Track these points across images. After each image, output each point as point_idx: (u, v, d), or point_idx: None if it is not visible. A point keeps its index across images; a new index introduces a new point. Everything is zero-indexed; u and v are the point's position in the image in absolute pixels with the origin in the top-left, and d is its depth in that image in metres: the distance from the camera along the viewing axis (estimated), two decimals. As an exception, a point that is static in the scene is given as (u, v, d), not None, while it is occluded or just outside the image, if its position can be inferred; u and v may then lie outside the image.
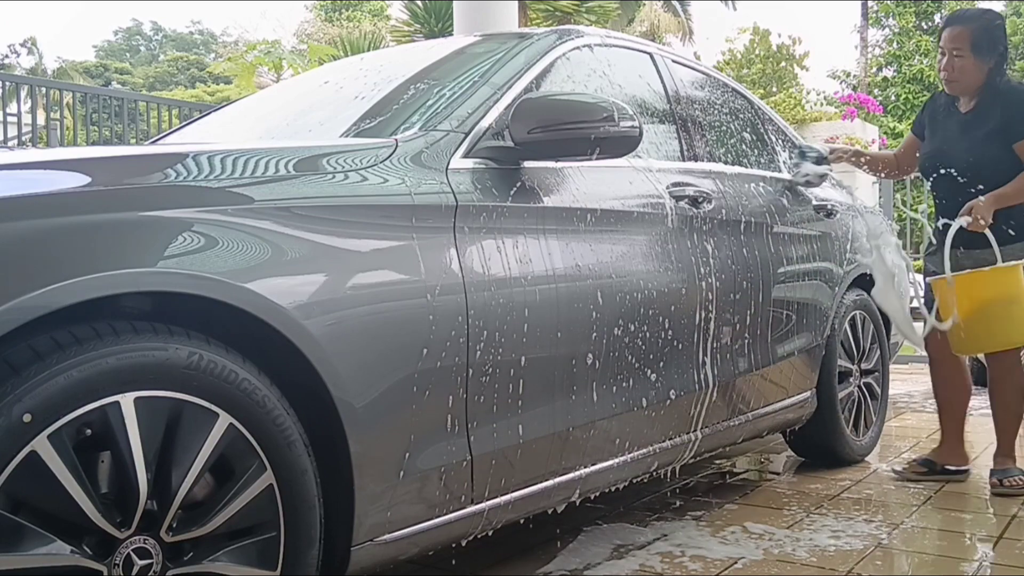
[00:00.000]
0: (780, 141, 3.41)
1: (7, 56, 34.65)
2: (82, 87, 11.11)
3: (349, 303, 1.52)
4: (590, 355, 2.03)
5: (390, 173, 1.70)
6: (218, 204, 1.40)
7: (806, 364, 3.05)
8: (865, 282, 3.31)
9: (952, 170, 2.95)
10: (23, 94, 7.13)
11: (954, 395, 3.16)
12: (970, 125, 2.92)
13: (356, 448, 1.50)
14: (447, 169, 1.80)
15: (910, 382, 6.19)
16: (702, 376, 2.46)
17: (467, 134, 1.89)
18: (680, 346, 2.35)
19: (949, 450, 3.13)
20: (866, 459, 3.40)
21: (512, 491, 1.86)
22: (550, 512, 2.07)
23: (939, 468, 3.10)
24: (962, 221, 2.82)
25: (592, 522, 2.60)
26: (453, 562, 2.20)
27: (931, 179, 3.06)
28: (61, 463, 1.19)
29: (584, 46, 2.43)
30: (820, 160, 3.14)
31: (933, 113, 3.09)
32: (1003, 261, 2.84)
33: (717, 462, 3.44)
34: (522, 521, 2.03)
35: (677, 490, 3.00)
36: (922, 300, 3.12)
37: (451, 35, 5.76)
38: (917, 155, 3.19)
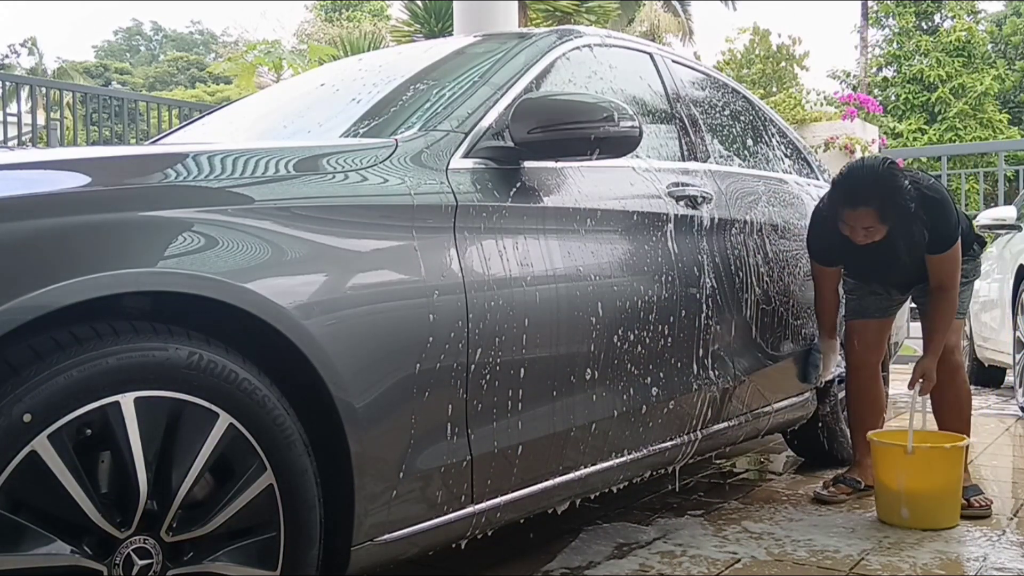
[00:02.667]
0: (780, 141, 3.42)
1: (7, 56, 34.67)
2: (82, 87, 11.10)
3: (349, 303, 1.52)
4: (590, 355, 2.03)
5: (390, 173, 1.70)
6: (218, 204, 1.40)
7: (806, 364, 3.06)
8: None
9: (879, 278, 2.91)
10: (23, 94, 7.13)
11: (870, 407, 2.99)
12: (886, 249, 2.68)
13: (356, 448, 1.50)
14: (447, 169, 1.80)
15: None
16: (702, 376, 2.46)
17: (467, 134, 1.89)
18: (680, 346, 2.35)
19: (867, 469, 2.89)
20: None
21: (512, 491, 1.86)
22: (550, 512, 2.07)
23: (864, 487, 2.89)
24: (916, 388, 2.75)
25: (592, 522, 2.60)
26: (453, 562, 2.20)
27: (853, 278, 2.98)
28: (61, 463, 1.19)
29: (584, 46, 2.43)
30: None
31: (836, 246, 2.77)
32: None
33: (717, 462, 3.44)
34: (522, 521, 2.03)
35: (677, 490, 3.00)
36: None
37: (451, 35, 5.75)
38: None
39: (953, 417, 2.84)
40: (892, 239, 2.62)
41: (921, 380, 2.74)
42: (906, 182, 2.56)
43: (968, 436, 2.78)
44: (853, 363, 3.01)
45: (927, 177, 2.73)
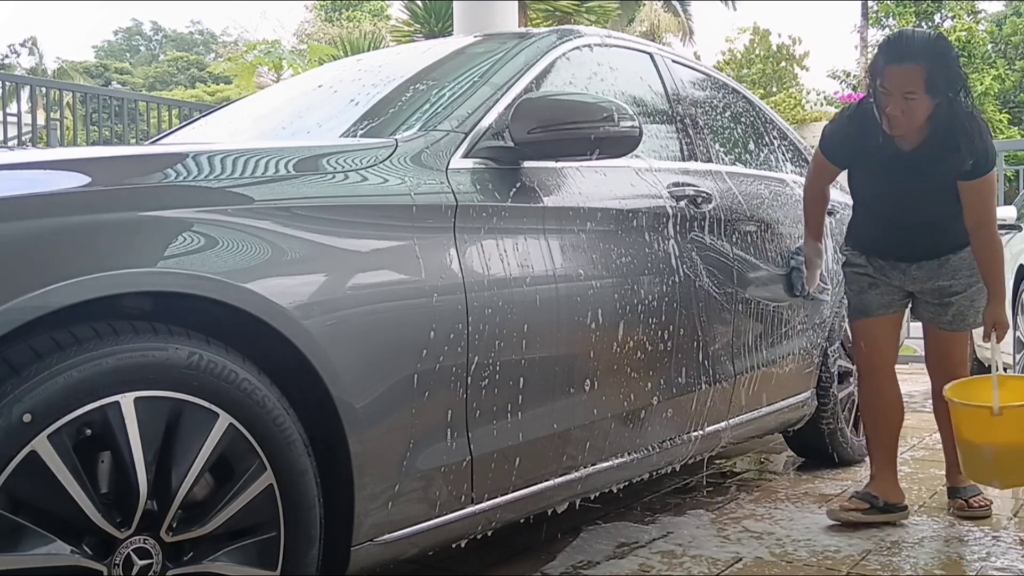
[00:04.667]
0: (780, 142, 3.42)
1: (7, 56, 34.68)
2: (82, 87, 11.11)
3: (349, 303, 1.52)
4: (591, 354, 2.03)
5: (390, 173, 1.70)
6: (218, 204, 1.40)
7: (806, 364, 3.06)
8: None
9: (898, 210, 2.56)
10: (23, 94, 7.13)
11: (883, 415, 2.70)
12: (919, 166, 2.44)
13: (356, 448, 1.50)
14: (447, 169, 1.80)
15: (910, 382, 6.18)
16: (702, 376, 2.46)
17: (467, 134, 1.89)
18: (680, 345, 2.35)
19: (883, 483, 2.65)
20: (866, 459, 3.40)
21: (512, 491, 1.86)
22: (550, 512, 2.07)
23: (883, 504, 2.60)
24: (994, 339, 2.49)
25: (592, 521, 2.60)
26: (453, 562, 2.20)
27: (866, 210, 2.68)
28: (61, 463, 1.19)
29: (584, 46, 2.43)
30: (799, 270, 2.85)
31: (859, 143, 2.52)
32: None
33: (717, 462, 3.44)
34: (522, 521, 2.03)
35: (677, 489, 3.00)
36: None
37: (451, 35, 5.75)
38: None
39: (946, 419, 2.56)
40: (926, 145, 2.36)
41: (995, 330, 2.49)
42: (957, 54, 2.35)
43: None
44: (861, 368, 2.80)
45: None
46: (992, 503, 2.67)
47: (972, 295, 2.57)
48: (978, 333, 5.79)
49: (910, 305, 2.76)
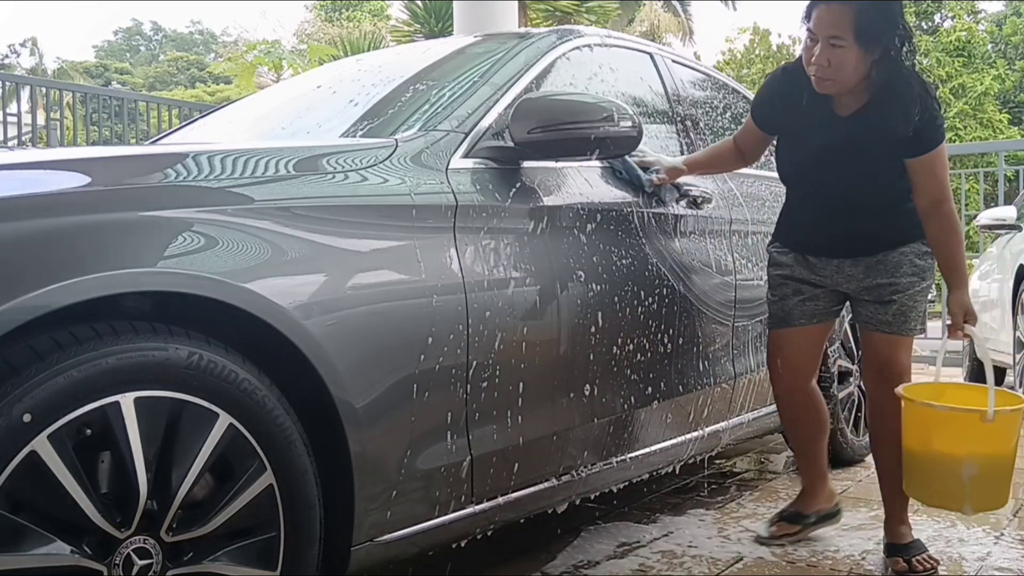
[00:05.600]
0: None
1: (7, 56, 34.69)
2: (82, 87, 11.11)
3: (349, 303, 1.52)
4: (591, 354, 2.03)
5: (390, 173, 1.70)
6: (218, 204, 1.40)
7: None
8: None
9: (832, 189, 2.21)
10: (23, 94, 7.13)
11: (808, 430, 2.47)
12: (856, 135, 2.12)
13: (356, 448, 1.50)
14: (447, 169, 1.80)
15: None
16: (702, 377, 2.46)
17: (467, 134, 1.89)
18: (680, 346, 2.35)
19: (813, 495, 2.47)
20: (866, 459, 3.40)
21: (512, 491, 1.86)
22: (550, 512, 2.07)
23: (813, 518, 2.45)
24: (965, 330, 2.16)
25: (593, 521, 2.60)
26: (452, 562, 2.20)
27: (796, 192, 2.34)
28: (61, 463, 1.19)
29: (584, 46, 2.43)
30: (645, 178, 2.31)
31: (789, 104, 2.20)
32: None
33: (717, 462, 3.44)
34: (522, 521, 2.03)
35: (678, 489, 3.00)
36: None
37: (451, 35, 5.75)
38: (767, 151, 2.48)
39: (892, 453, 2.20)
40: (865, 111, 2.05)
41: (966, 321, 2.15)
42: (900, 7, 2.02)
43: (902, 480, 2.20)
44: (776, 388, 2.45)
45: None
46: (939, 563, 2.22)
47: (915, 295, 2.22)
48: (977, 333, 5.77)
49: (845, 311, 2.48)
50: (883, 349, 2.25)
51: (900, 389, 2.12)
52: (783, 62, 2.35)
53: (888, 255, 2.22)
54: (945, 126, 2.13)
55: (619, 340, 2.12)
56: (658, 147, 2.58)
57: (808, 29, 2.04)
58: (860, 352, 2.66)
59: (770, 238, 2.46)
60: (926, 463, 2.08)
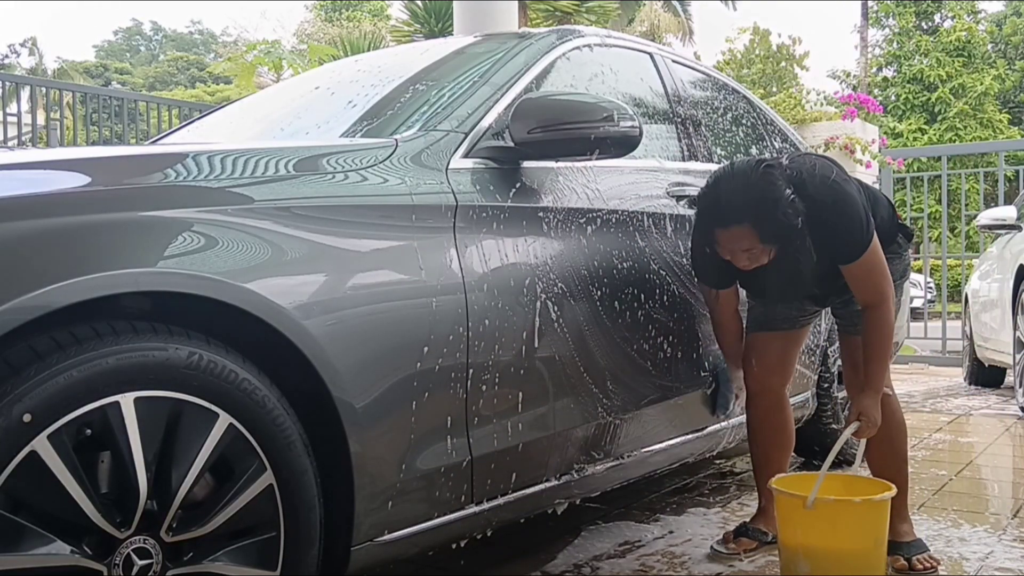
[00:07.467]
0: (781, 142, 3.41)
1: (7, 56, 34.70)
2: (82, 87, 11.10)
3: (349, 303, 1.52)
4: (592, 355, 2.03)
5: (390, 173, 1.70)
6: (218, 204, 1.40)
7: (805, 365, 3.05)
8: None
9: (796, 287, 2.27)
10: (23, 94, 7.13)
11: (770, 438, 2.44)
12: (789, 270, 2.13)
13: (356, 448, 1.50)
14: (447, 169, 1.80)
15: (910, 382, 6.20)
16: (702, 378, 2.46)
17: (467, 134, 1.89)
18: (680, 347, 2.35)
19: (771, 515, 2.29)
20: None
21: (512, 491, 1.86)
22: (550, 512, 2.07)
23: (773, 537, 2.30)
24: (852, 429, 2.13)
25: (593, 521, 2.60)
26: (461, 562, 2.20)
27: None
28: (61, 463, 1.19)
29: (584, 46, 2.42)
30: None
31: (721, 265, 2.18)
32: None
33: (717, 462, 3.44)
34: (522, 521, 2.03)
35: (678, 489, 3.00)
36: (925, 299, 2.64)
37: (451, 35, 5.75)
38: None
39: (885, 454, 2.27)
40: (786, 257, 2.08)
41: (859, 421, 2.13)
42: (787, 191, 1.99)
43: (903, 481, 2.24)
44: (751, 388, 2.45)
45: (824, 167, 2.12)
46: (940, 563, 2.23)
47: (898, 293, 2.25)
48: (978, 334, 5.74)
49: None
50: (857, 351, 2.25)
51: (775, 480, 2.11)
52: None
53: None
54: (871, 231, 2.10)
55: (620, 340, 2.11)
56: (658, 147, 2.58)
57: (717, 245, 2.09)
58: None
59: None
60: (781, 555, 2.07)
